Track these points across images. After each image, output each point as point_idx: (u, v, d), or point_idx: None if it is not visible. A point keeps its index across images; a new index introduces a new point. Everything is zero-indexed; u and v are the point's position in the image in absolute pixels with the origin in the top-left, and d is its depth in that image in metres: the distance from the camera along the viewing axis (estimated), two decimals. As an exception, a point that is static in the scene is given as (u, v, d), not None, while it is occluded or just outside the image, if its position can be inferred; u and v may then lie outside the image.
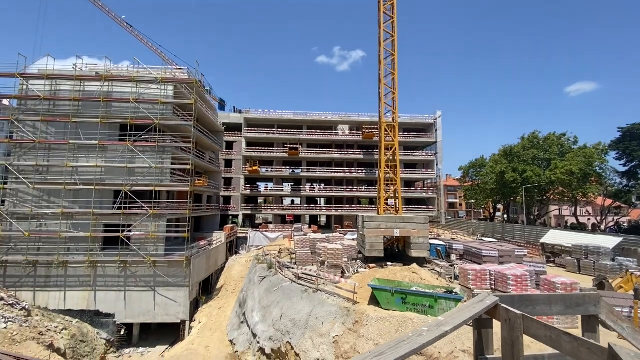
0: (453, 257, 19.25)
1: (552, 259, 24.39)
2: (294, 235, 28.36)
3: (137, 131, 23.48)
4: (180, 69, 30.47)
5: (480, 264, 16.86)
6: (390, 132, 19.73)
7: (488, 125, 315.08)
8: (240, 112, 45.45)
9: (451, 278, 16.63)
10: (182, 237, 23.00)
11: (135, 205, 22.70)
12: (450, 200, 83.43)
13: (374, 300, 12.81)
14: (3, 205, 22.85)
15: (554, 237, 25.35)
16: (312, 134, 44.31)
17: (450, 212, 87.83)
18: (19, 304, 15.58)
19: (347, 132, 46.04)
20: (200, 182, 28.24)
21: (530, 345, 7.74)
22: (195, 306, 24.37)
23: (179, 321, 22.03)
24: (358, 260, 18.27)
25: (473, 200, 55.63)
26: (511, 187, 40.85)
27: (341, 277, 15.97)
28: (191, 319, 22.94)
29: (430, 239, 34.55)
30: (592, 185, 38.16)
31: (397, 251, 19.25)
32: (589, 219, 52.50)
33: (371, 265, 17.03)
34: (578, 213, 45.05)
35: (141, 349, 21.02)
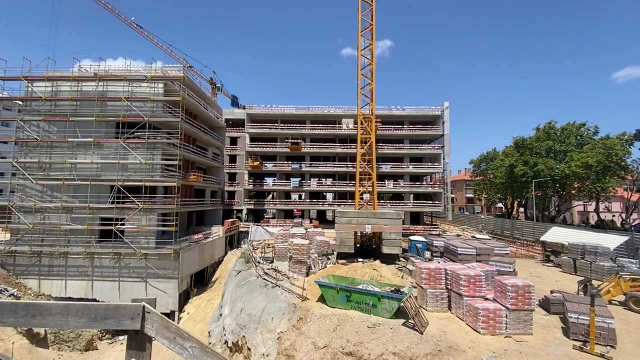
0: (427, 254, 18.46)
1: (551, 259, 22.88)
2: (290, 230, 28.38)
3: (131, 128, 24.46)
4: (176, 66, 31.19)
5: (456, 262, 16.14)
6: (368, 125, 19.14)
7: (520, 118, 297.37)
8: (244, 107, 45.97)
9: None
10: (176, 231, 23.76)
11: (128, 200, 23.74)
12: (468, 195, 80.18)
13: (323, 298, 12.61)
14: (12, 200, 24.77)
15: (555, 234, 23.68)
16: (315, 129, 43.95)
17: (469, 207, 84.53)
18: (7, 290, 16.89)
19: (351, 125, 45.16)
20: (194, 177, 28.92)
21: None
22: (186, 298, 25.21)
23: (169, 311, 22.90)
24: (331, 257, 18.04)
25: (485, 195, 52.99)
26: (521, 181, 38.36)
27: (306, 274, 15.88)
28: (181, 310, 23.80)
29: (435, 235, 33.72)
30: (612, 179, 34.99)
31: (373, 248, 18.80)
32: (614, 216, 48.44)
33: (340, 261, 16.76)
34: (602, 209, 41.72)
35: (133, 337, 22.06)
